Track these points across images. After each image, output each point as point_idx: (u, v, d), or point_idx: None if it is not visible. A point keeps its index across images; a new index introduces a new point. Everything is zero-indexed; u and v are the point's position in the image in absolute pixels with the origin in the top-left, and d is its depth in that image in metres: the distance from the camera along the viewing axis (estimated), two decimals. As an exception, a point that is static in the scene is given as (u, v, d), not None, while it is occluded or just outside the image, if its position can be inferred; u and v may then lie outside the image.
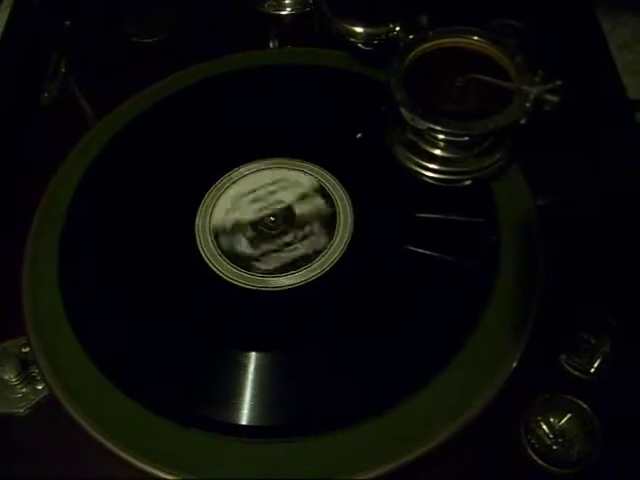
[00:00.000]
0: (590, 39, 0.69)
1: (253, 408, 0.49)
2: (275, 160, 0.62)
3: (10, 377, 0.50)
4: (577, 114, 0.61)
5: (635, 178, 0.60)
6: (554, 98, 0.52)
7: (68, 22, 0.75)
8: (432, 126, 0.53)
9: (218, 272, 0.56)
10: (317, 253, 0.56)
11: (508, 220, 0.57)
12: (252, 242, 0.57)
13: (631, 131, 0.63)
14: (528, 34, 0.65)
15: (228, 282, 0.55)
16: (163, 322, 0.54)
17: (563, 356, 0.50)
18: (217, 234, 0.58)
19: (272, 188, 0.60)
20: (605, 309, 0.52)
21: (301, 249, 0.56)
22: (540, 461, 0.46)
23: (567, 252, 0.55)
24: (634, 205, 0.58)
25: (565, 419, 0.47)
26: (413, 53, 0.56)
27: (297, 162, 0.61)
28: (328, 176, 0.60)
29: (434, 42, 0.57)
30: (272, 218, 0.58)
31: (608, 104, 0.65)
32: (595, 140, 0.62)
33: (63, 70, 0.71)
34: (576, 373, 0.50)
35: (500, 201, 0.58)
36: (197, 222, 0.59)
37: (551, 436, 0.47)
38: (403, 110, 0.54)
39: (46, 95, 0.69)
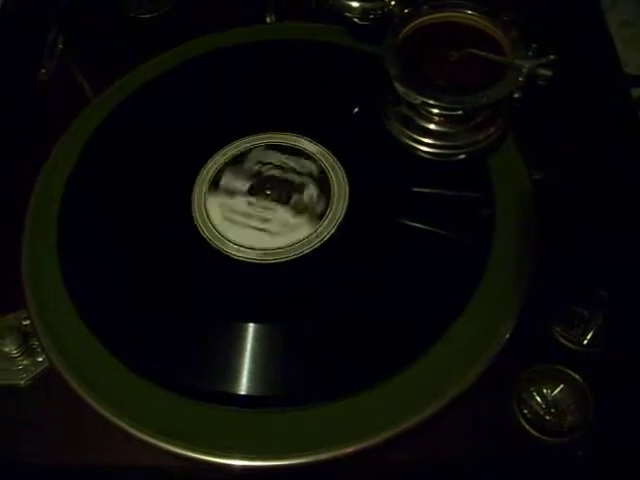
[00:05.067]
0: (588, 13, 0.69)
1: (251, 379, 0.50)
2: (269, 135, 0.62)
3: (11, 349, 0.51)
4: (574, 89, 0.62)
5: (631, 151, 0.60)
6: (547, 72, 0.52)
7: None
8: (426, 100, 0.53)
9: (209, 241, 0.56)
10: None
11: (503, 194, 0.57)
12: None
13: (627, 106, 0.63)
14: (523, 9, 0.65)
15: (224, 254, 0.55)
16: (163, 292, 0.54)
17: (556, 328, 0.50)
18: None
19: (267, 163, 0.60)
20: (598, 282, 0.52)
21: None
22: (533, 431, 0.47)
23: (561, 226, 0.55)
24: (629, 179, 0.58)
25: (558, 390, 0.48)
26: (407, 27, 0.56)
27: (292, 137, 0.61)
28: (323, 151, 0.60)
29: (428, 16, 0.57)
30: (268, 192, 0.58)
31: (605, 79, 0.64)
32: (591, 115, 0.62)
33: (61, 46, 0.71)
34: (569, 345, 0.50)
35: (495, 175, 0.58)
36: (195, 193, 0.59)
37: (544, 407, 0.48)
38: (397, 84, 0.54)
39: (44, 71, 0.69)
